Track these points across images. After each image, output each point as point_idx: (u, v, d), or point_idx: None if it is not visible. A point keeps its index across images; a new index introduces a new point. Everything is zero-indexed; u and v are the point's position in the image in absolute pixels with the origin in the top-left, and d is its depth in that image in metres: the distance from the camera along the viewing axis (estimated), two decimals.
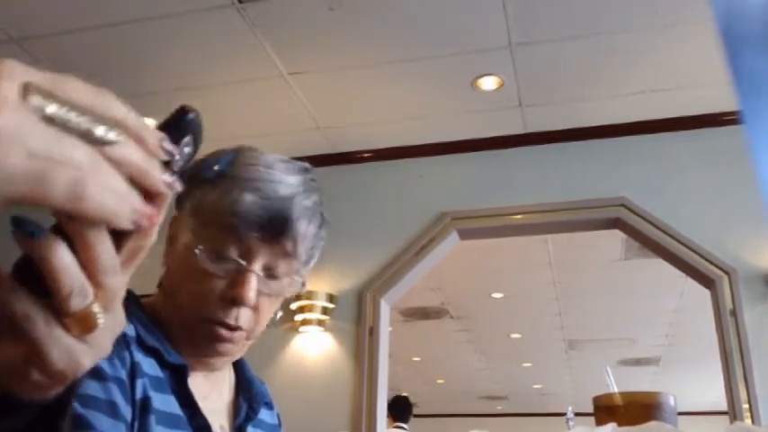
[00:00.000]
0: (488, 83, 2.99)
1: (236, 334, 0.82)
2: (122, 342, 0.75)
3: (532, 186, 3.29)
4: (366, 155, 3.56)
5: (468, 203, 3.33)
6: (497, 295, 5.82)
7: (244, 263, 0.80)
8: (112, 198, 0.33)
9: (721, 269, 2.93)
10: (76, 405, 0.67)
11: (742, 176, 2.89)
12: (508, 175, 3.35)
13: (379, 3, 2.55)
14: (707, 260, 2.95)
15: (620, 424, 1.33)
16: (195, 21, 2.65)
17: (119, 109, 0.35)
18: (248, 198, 0.80)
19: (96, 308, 0.36)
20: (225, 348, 0.82)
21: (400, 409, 5.22)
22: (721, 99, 2.98)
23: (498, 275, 5.30)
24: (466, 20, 2.62)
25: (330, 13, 2.58)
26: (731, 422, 2.69)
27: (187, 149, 0.40)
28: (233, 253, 0.80)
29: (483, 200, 3.32)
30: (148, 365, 0.77)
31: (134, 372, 0.75)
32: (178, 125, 0.40)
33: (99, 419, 0.68)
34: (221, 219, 0.80)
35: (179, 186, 0.38)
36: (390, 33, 2.71)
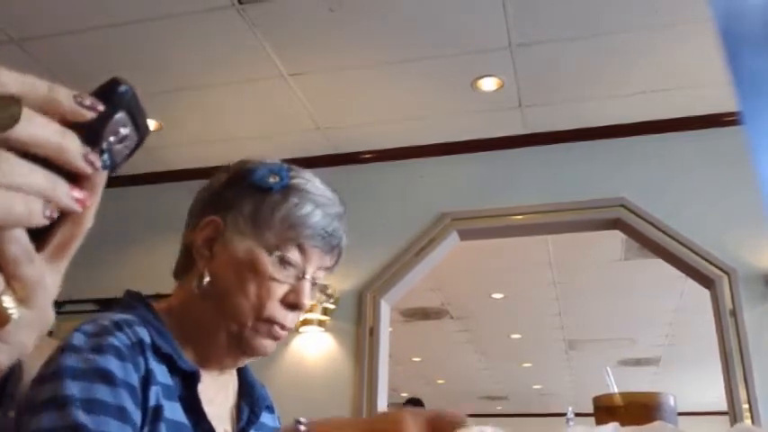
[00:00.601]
0: (488, 83, 2.99)
1: (285, 333, 0.89)
2: (138, 348, 0.77)
3: (532, 187, 3.29)
4: (366, 155, 3.56)
5: (469, 204, 3.33)
6: (497, 295, 5.81)
7: (305, 271, 0.87)
8: (36, 182, 0.31)
9: (721, 269, 2.93)
10: (78, 413, 0.67)
11: (742, 177, 2.89)
12: (508, 176, 3.35)
13: (379, 3, 2.55)
14: (707, 260, 2.95)
15: (621, 424, 1.33)
16: (195, 21, 2.65)
17: (11, 81, 0.31)
18: (318, 212, 0.88)
19: (8, 301, 0.32)
20: (273, 346, 0.89)
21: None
22: (721, 99, 2.98)
23: (498, 276, 5.30)
24: (466, 20, 2.62)
25: (330, 13, 2.58)
26: (731, 422, 2.69)
27: (124, 130, 0.35)
28: (295, 261, 0.87)
29: (483, 200, 3.32)
30: (161, 373, 0.79)
31: (149, 379, 0.76)
32: (108, 99, 0.35)
33: (107, 423, 0.69)
34: (293, 229, 0.86)
35: (100, 164, 0.34)
36: (390, 34, 2.71)
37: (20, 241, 0.32)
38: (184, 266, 0.91)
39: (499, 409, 10.98)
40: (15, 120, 0.30)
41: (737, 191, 2.94)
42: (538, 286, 5.45)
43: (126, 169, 3.24)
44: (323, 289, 0.92)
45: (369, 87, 3.06)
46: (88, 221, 0.36)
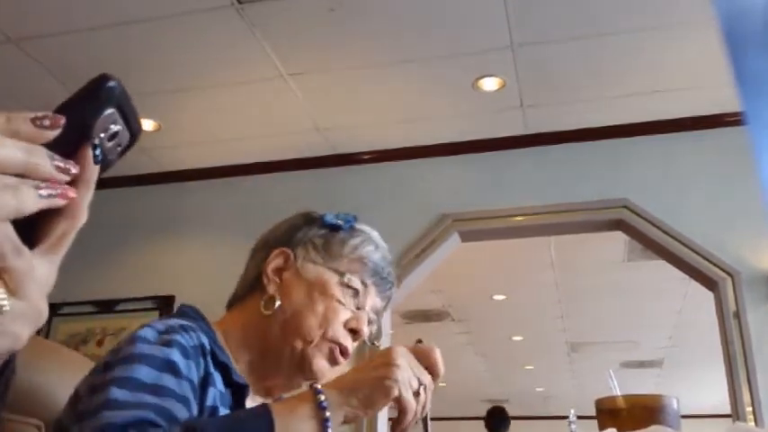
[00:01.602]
0: (490, 83, 2.98)
1: (343, 361, 0.95)
2: (200, 350, 0.83)
3: (534, 188, 3.27)
4: (366, 156, 3.55)
5: (470, 205, 3.31)
6: (499, 297, 5.80)
7: (365, 303, 0.97)
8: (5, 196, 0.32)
9: (724, 271, 2.91)
10: (147, 396, 0.73)
11: (745, 177, 2.88)
12: (510, 177, 3.34)
13: (379, 3, 2.54)
14: (710, 262, 2.94)
15: (624, 427, 1.32)
16: (194, 21, 2.64)
17: None
18: (379, 253, 1.00)
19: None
20: (330, 371, 0.94)
21: (497, 420, 5.13)
22: (724, 100, 2.97)
23: (500, 277, 5.29)
24: (467, 20, 2.61)
25: (330, 13, 2.57)
26: (733, 424, 2.67)
27: (114, 127, 0.36)
28: (358, 289, 0.96)
29: (484, 201, 3.30)
30: (218, 379, 0.85)
31: (208, 380, 0.82)
32: (95, 95, 0.35)
33: (173, 405, 0.74)
34: (360, 261, 0.97)
35: (91, 159, 0.36)
36: (391, 34, 2.70)
37: (6, 235, 0.33)
38: (246, 294, 0.99)
39: None
40: None
41: (741, 192, 2.93)
42: (540, 288, 5.44)
43: (125, 170, 3.22)
44: (372, 333, 0.99)
45: (369, 87, 3.05)
46: (82, 216, 0.37)
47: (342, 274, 0.95)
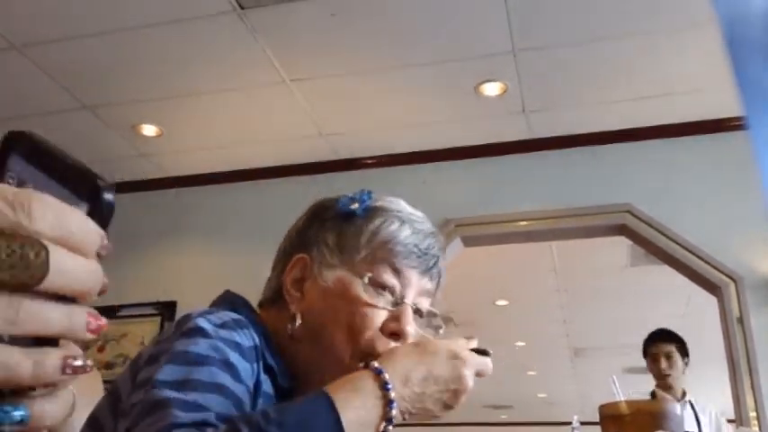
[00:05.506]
0: (492, 89, 2.98)
1: None
2: (254, 351, 0.74)
3: (537, 193, 3.27)
4: (369, 161, 3.55)
5: (472, 210, 3.31)
6: (502, 303, 5.79)
7: (403, 295, 0.80)
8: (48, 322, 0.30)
9: (727, 276, 2.90)
10: (210, 397, 0.66)
11: (748, 182, 2.87)
12: (512, 182, 3.33)
13: (381, 9, 2.54)
14: (713, 267, 2.93)
15: None
16: (197, 27, 2.65)
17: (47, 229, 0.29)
18: (407, 228, 0.82)
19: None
20: None
21: None
22: (726, 105, 2.97)
23: (503, 283, 5.28)
24: (469, 25, 2.62)
25: (332, 18, 2.58)
26: (737, 429, 2.66)
27: None
28: (391, 283, 0.80)
29: (487, 206, 3.30)
30: (267, 384, 0.76)
31: (258, 388, 0.74)
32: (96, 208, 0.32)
33: (232, 408, 0.68)
34: (383, 247, 0.81)
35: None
36: (393, 39, 2.71)
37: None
38: (272, 301, 0.86)
39: (504, 417, 10.93)
40: (47, 268, 0.28)
41: (744, 196, 2.92)
42: (542, 293, 5.42)
43: (126, 175, 3.21)
44: (429, 317, 0.85)
45: (371, 93, 3.05)
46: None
47: (362, 275, 0.79)
